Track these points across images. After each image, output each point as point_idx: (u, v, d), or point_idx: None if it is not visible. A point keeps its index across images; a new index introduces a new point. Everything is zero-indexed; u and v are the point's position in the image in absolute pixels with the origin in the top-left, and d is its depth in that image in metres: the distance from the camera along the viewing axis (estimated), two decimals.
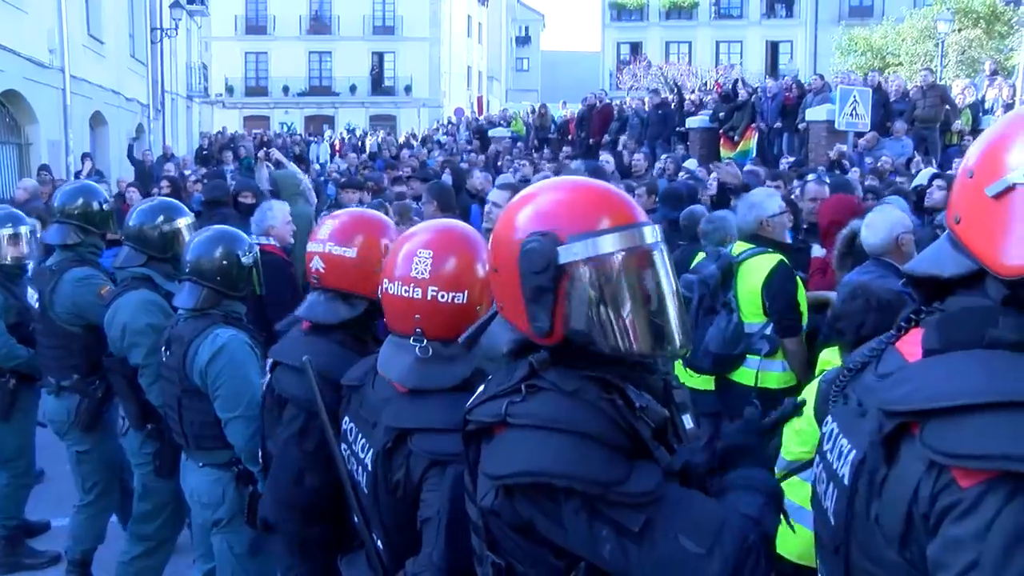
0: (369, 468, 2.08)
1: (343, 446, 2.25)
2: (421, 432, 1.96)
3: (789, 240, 4.77)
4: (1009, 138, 1.26)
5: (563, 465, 1.47)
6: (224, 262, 3.36)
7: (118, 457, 4.49)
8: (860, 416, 1.39)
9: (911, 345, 1.39)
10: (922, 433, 1.20)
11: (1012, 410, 1.14)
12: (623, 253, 1.58)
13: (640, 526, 1.45)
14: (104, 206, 4.49)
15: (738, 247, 4.76)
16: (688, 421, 1.74)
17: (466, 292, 2.05)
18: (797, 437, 3.30)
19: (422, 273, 2.05)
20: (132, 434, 4.07)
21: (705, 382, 5.01)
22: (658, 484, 1.49)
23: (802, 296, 4.58)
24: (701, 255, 5.40)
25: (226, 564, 3.36)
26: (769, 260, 4.57)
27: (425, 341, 2.06)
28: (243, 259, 3.39)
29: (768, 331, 4.54)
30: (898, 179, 8.56)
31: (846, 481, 1.37)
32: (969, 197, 1.30)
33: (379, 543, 2.12)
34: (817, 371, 3.54)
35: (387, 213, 6.95)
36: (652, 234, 1.63)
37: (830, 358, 3.46)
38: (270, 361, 2.71)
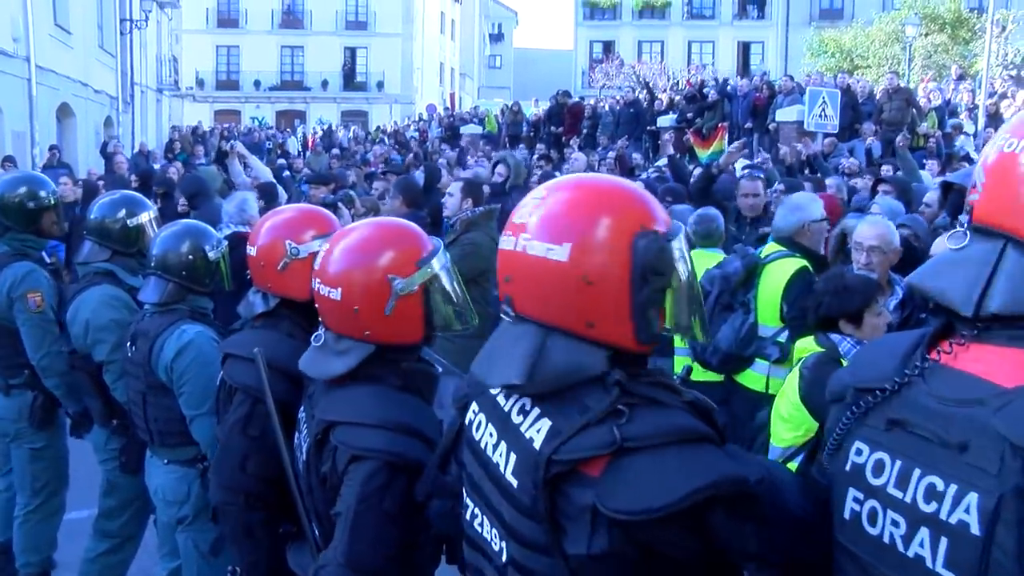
0: (303, 458, 2.13)
1: (296, 435, 2.29)
2: (344, 425, 1.98)
3: (822, 250, 4.66)
4: None
5: (723, 471, 1.36)
6: (190, 256, 3.32)
7: (66, 457, 4.43)
8: (953, 449, 1.21)
9: (985, 364, 1.25)
10: None
11: None
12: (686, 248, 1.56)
13: (769, 510, 1.41)
14: (50, 198, 4.26)
15: (769, 248, 4.68)
16: None
17: (339, 289, 2.08)
18: (786, 424, 3.35)
19: (316, 264, 2.16)
20: (97, 431, 4.01)
21: (700, 373, 5.03)
22: (762, 467, 1.47)
23: None
24: (699, 254, 5.41)
25: (191, 562, 3.33)
26: (793, 264, 4.47)
27: (323, 330, 2.14)
28: (210, 254, 3.36)
29: (782, 337, 4.43)
30: (858, 182, 8.65)
31: (975, 531, 1.16)
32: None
33: (316, 531, 2.16)
34: (796, 354, 3.59)
35: (353, 206, 6.95)
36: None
37: (806, 346, 3.52)
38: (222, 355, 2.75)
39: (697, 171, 8.49)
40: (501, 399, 1.58)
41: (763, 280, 4.54)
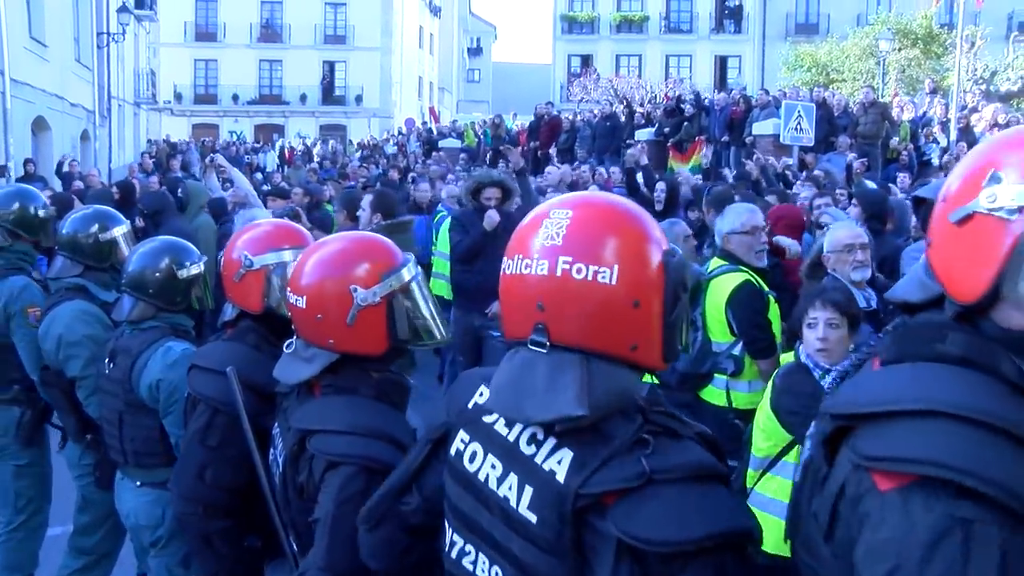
0: (280, 470, 2.14)
1: (271, 451, 2.29)
2: (319, 433, 2.00)
3: (758, 262, 4.57)
4: (979, 165, 1.26)
5: (737, 520, 1.38)
6: (158, 275, 3.27)
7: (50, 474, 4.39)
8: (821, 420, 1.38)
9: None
10: (853, 436, 1.23)
11: (934, 419, 1.16)
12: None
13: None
14: (41, 212, 4.30)
15: (713, 263, 4.67)
16: None
17: (303, 297, 2.12)
18: (763, 435, 3.40)
19: (291, 275, 2.23)
20: (71, 446, 3.96)
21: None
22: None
23: (774, 315, 4.47)
24: None
25: None
26: (734, 279, 4.45)
27: (295, 338, 2.20)
28: (179, 273, 3.30)
29: (735, 351, 4.44)
30: (838, 192, 8.73)
31: (796, 478, 1.39)
32: (938, 222, 1.30)
33: (295, 545, 2.16)
34: (749, 372, 3.66)
35: (300, 220, 6.91)
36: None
37: (786, 354, 3.61)
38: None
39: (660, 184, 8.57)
40: (501, 428, 1.53)
41: (708, 296, 4.54)
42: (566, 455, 1.42)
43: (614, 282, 1.43)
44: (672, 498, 1.34)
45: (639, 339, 1.45)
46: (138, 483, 3.31)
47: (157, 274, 3.28)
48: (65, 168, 14.03)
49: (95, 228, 3.86)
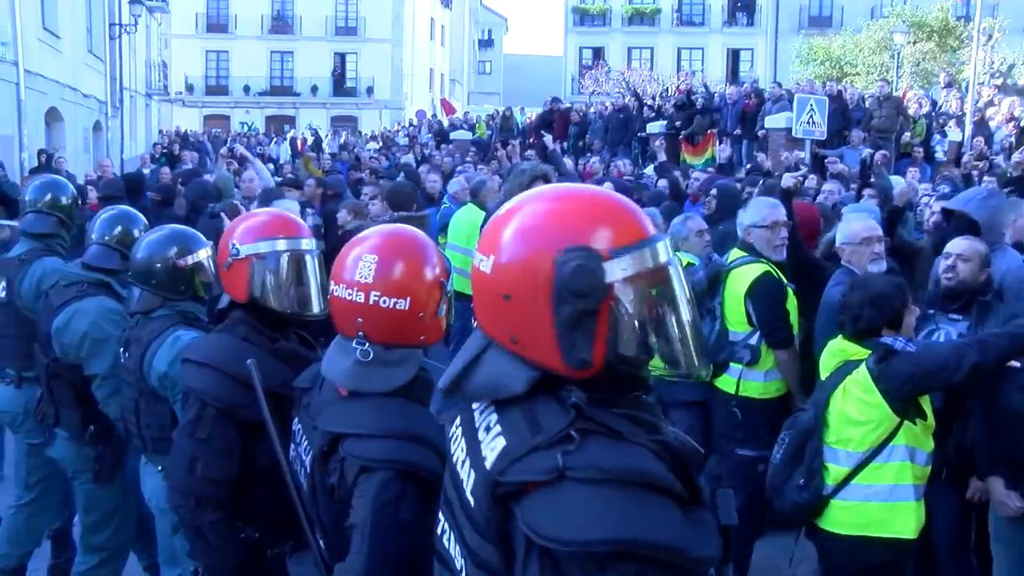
0: (308, 470, 2.11)
1: (292, 447, 2.27)
2: (352, 437, 1.95)
3: (777, 256, 4.61)
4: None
5: (647, 530, 1.30)
6: (158, 265, 3.27)
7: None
8: None
9: None
10: None
11: None
12: (660, 267, 1.44)
13: None
14: (72, 200, 4.50)
15: (733, 254, 4.74)
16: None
17: (409, 299, 2.05)
18: (863, 426, 3.42)
19: (365, 277, 2.03)
20: (64, 444, 3.95)
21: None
22: (718, 544, 1.40)
23: (792, 307, 4.54)
24: (680, 258, 5.46)
25: (191, 565, 3.29)
26: (754, 270, 4.54)
27: (367, 344, 2.04)
28: (179, 262, 3.30)
29: (752, 341, 4.52)
30: (852, 186, 8.70)
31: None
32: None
33: (321, 543, 2.14)
34: (833, 361, 3.62)
35: (237, 214, 6.89)
36: (667, 248, 1.48)
37: (846, 347, 3.59)
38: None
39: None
40: (477, 414, 1.54)
41: (727, 287, 4.63)
42: (499, 443, 1.42)
43: (488, 271, 1.46)
44: (581, 497, 1.32)
45: (516, 332, 1.44)
46: (159, 468, 3.32)
47: (159, 264, 3.28)
48: (54, 164, 13.95)
49: (118, 230, 3.88)
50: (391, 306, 2.03)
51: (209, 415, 2.53)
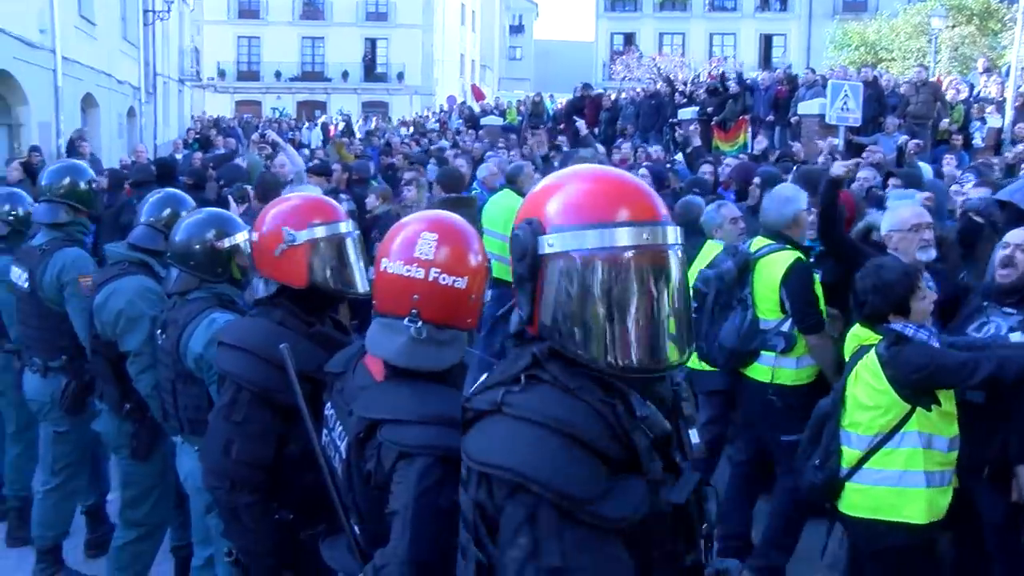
0: (343, 455, 2.11)
1: (324, 431, 2.28)
2: (390, 423, 1.96)
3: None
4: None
5: (546, 472, 1.44)
6: (197, 247, 3.33)
7: (91, 441, 4.55)
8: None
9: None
10: None
11: None
12: (603, 252, 1.51)
13: (561, 563, 1.42)
14: (91, 185, 4.48)
15: (757, 243, 4.72)
16: (694, 436, 1.70)
17: (465, 278, 2.06)
18: (873, 411, 3.45)
19: (426, 254, 2.04)
20: (108, 418, 4.05)
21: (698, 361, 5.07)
22: (635, 509, 1.46)
23: (819, 292, 4.56)
24: (713, 246, 5.45)
25: (224, 546, 3.33)
26: (787, 257, 4.53)
27: (420, 322, 2.05)
28: (216, 244, 3.34)
29: (784, 328, 4.52)
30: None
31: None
32: None
33: (356, 528, 2.15)
34: (850, 345, 3.68)
35: (248, 201, 6.91)
36: (648, 236, 1.53)
37: (860, 332, 3.62)
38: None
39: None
40: None
41: (758, 275, 4.60)
42: (482, 376, 1.66)
43: None
44: (503, 429, 1.51)
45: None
46: (196, 448, 3.36)
47: (198, 246, 3.33)
48: (78, 148, 14.05)
49: (167, 212, 3.90)
50: (450, 284, 2.05)
51: (244, 399, 2.55)
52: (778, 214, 4.69)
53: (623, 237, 1.50)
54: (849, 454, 3.51)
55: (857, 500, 3.52)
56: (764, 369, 4.58)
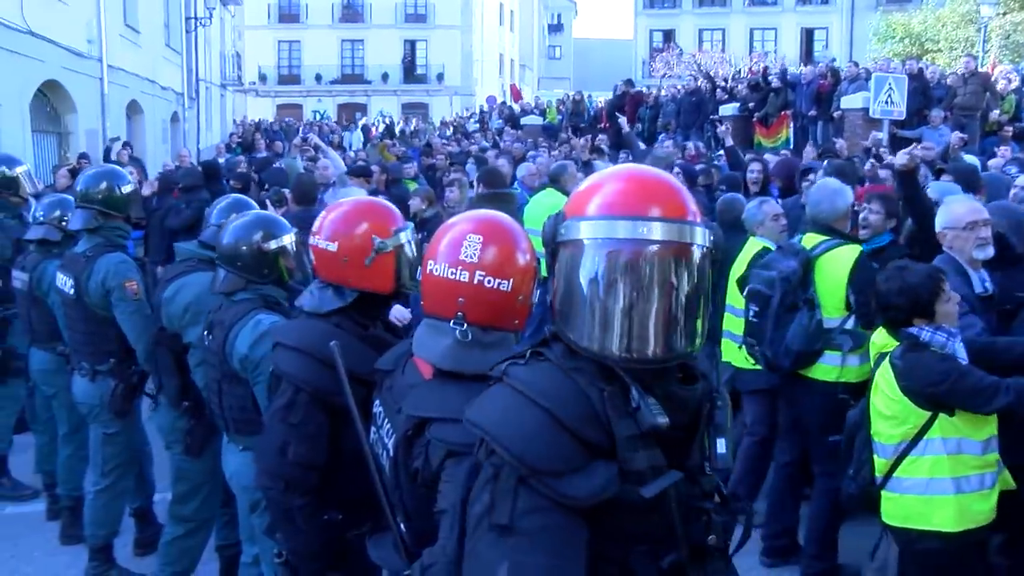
0: (391, 453, 2.10)
1: (372, 429, 2.28)
2: (439, 421, 1.96)
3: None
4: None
5: (513, 439, 1.50)
6: (244, 248, 3.37)
7: (139, 443, 4.67)
8: None
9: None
10: None
11: None
12: (597, 241, 1.54)
13: (508, 522, 1.47)
14: (126, 189, 4.52)
15: (811, 239, 4.60)
16: (722, 446, 1.66)
17: (511, 280, 2.05)
18: (891, 421, 3.40)
19: (471, 257, 2.05)
20: (163, 413, 4.13)
21: (744, 359, 5.00)
22: (591, 492, 1.47)
23: None
24: (755, 243, 5.40)
25: (268, 546, 3.30)
26: (851, 252, 4.44)
27: (465, 325, 2.05)
28: (263, 246, 3.38)
29: (848, 325, 4.41)
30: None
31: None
32: None
33: (403, 527, 2.15)
34: (872, 352, 3.64)
35: (284, 204, 6.90)
36: (640, 230, 1.52)
37: (879, 339, 3.56)
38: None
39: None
40: None
41: (820, 273, 4.48)
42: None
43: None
44: (494, 393, 1.62)
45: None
46: (240, 448, 3.43)
47: (245, 247, 3.37)
48: (113, 156, 14.24)
49: (233, 216, 3.93)
50: (495, 287, 2.04)
51: (303, 400, 2.55)
52: (832, 208, 4.61)
53: (584, 229, 1.57)
54: (879, 463, 3.46)
55: (890, 508, 3.47)
56: (830, 369, 4.45)
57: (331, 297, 2.68)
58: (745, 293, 4.70)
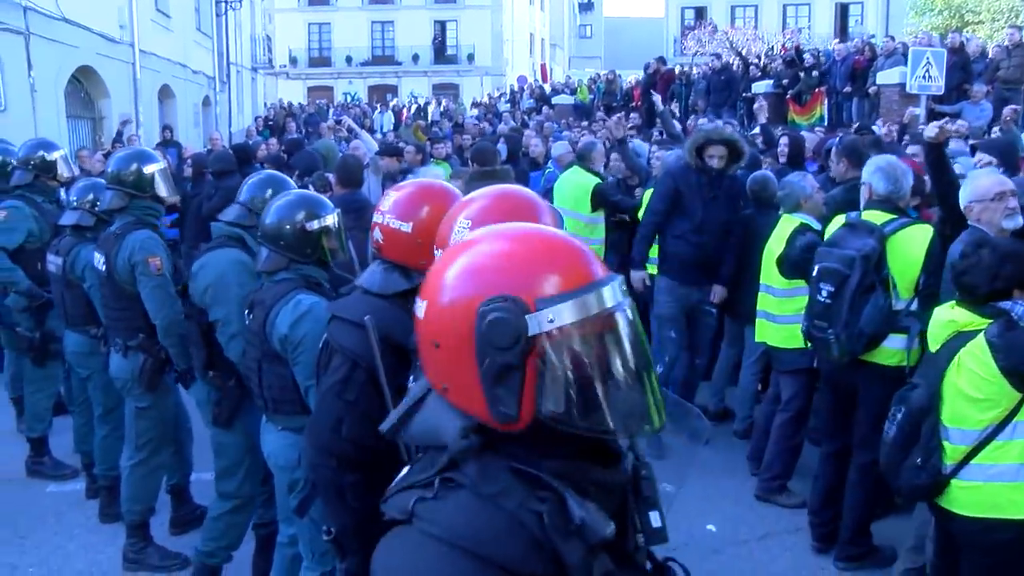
0: None
1: None
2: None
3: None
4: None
5: None
6: (287, 227, 3.37)
7: (173, 419, 4.74)
8: None
9: None
10: None
11: None
12: (602, 315, 1.32)
13: None
14: (150, 169, 4.53)
15: (878, 217, 4.41)
16: (656, 520, 1.47)
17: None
18: (981, 404, 3.19)
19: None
20: (199, 386, 4.21)
21: (788, 339, 4.90)
22: None
23: None
24: (787, 219, 5.31)
25: (305, 526, 3.33)
26: (924, 232, 4.30)
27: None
28: (307, 225, 3.38)
29: (913, 307, 4.26)
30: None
31: None
32: None
33: None
34: (944, 332, 3.37)
35: (329, 189, 6.89)
36: (615, 292, 1.36)
37: (959, 317, 3.32)
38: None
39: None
40: None
41: (893, 253, 4.29)
42: (401, 474, 1.45)
43: (421, 316, 1.40)
44: (411, 545, 1.30)
45: (446, 381, 1.37)
46: (279, 428, 3.44)
47: (289, 226, 3.37)
48: (125, 137, 14.30)
49: (268, 193, 3.94)
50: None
51: (360, 377, 2.50)
52: (897, 186, 4.44)
53: (608, 297, 1.34)
54: (953, 450, 3.25)
55: (966, 498, 3.24)
56: (895, 352, 4.28)
57: (398, 279, 2.62)
58: (816, 272, 4.44)
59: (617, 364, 1.33)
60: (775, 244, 5.31)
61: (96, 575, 4.66)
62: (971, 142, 7.31)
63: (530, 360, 1.29)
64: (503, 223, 1.55)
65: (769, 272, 5.40)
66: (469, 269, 1.36)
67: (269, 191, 3.97)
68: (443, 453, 1.35)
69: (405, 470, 1.46)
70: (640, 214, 6.62)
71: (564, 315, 1.29)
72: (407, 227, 2.58)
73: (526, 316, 1.28)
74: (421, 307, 1.40)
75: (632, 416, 1.35)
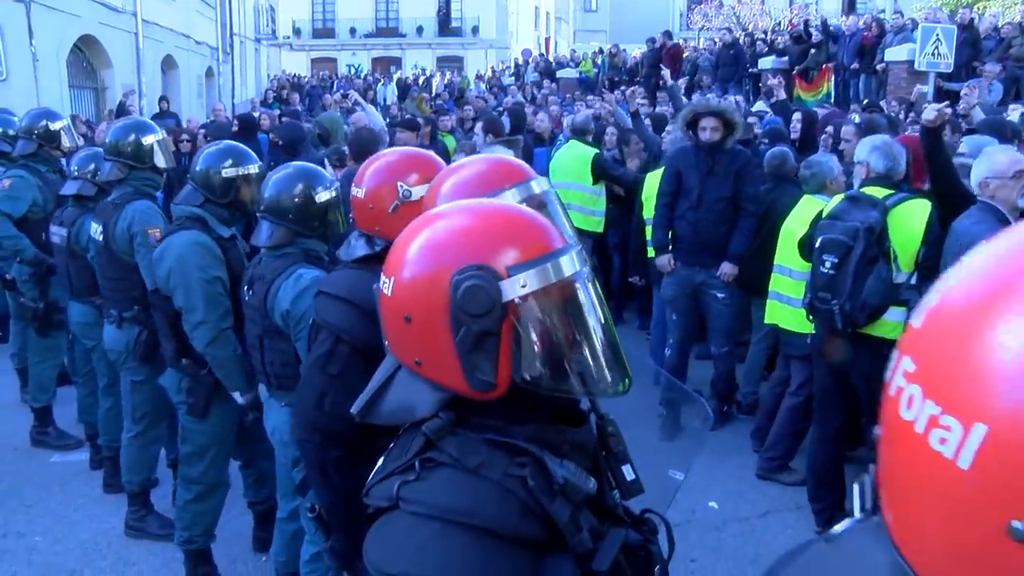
0: None
1: None
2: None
3: None
4: None
5: (456, 574, 1.27)
6: (296, 200, 3.32)
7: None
8: None
9: None
10: None
11: None
12: (565, 281, 1.37)
13: None
14: (148, 140, 4.51)
15: (879, 190, 4.42)
16: (629, 472, 1.51)
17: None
18: None
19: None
20: (170, 373, 4.12)
21: (803, 324, 4.91)
22: None
23: None
24: (811, 200, 5.29)
25: (310, 500, 3.38)
26: (923, 206, 4.30)
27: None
28: (317, 197, 3.35)
29: (913, 281, 4.27)
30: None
31: None
32: None
33: None
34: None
35: (344, 164, 6.81)
36: (574, 261, 1.40)
37: None
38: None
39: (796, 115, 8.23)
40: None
41: (895, 226, 4.29)
42: (377, 464, 1.45)
43: (389, 294, 1.42)
44: (403, 528, 1.31)
45: (420, 355, 1.39)
46: (282, 404, 3.40)
47: (296, 199, 3.33)
48: (129, 106, 14.17)
49: (227, 163, 3.92)
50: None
51: (343, 351, 2.48)
52: (895, 163, 4.47)
53: (567, 265, 1.38)
54: None
55: None
56: (896, 326, 4.25)
57: (362, 245, 2.65)
58: (819, 244, 4.45)
59: (584, 326, 1.39)
60: (796, 225, 5.23)
61: (101, 544, 4.68)
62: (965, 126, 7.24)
63: (504, 326, 1.33)
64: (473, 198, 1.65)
65: (787, 253, 5.31)
66: (435, 243, 1.40)
67: (229, 161, 3.93)
68: (416, 436, 1.37)
69: (380, 461, 1.46)
70: (643, 195, 6.63)
71: (532, 281, 1.34)
72: (361, 193, 2.65)
73: (499, 283, 1.32)
74: (387, 284, 1.43)
75: (602, 376, 1.40)
